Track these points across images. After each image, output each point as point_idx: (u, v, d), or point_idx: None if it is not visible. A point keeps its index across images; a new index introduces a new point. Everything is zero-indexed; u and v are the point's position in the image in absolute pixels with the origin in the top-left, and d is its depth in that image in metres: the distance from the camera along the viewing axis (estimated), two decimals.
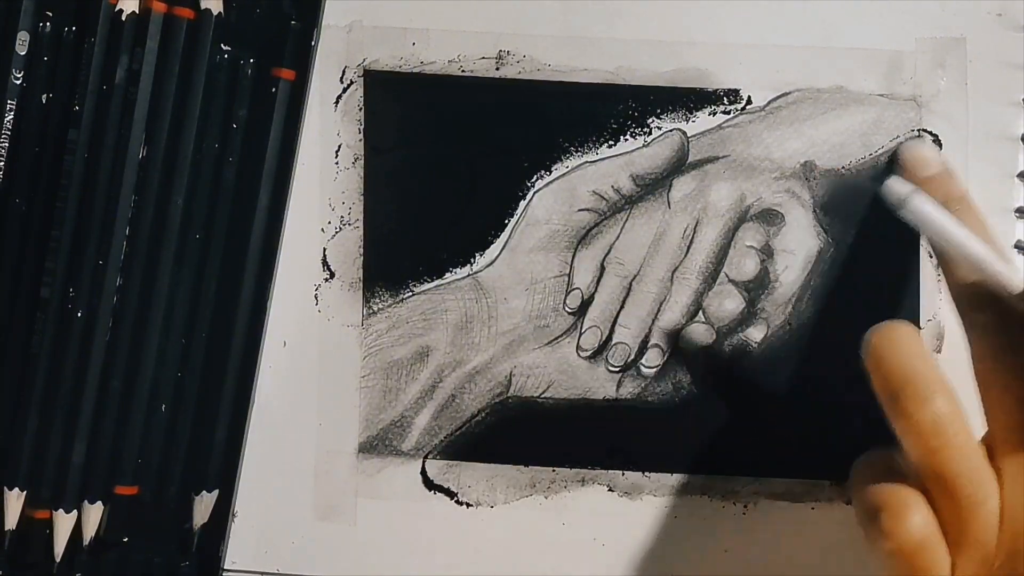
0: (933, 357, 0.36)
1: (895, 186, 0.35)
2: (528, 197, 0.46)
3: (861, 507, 0.37)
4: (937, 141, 0.45)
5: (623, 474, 0.46)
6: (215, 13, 0.45)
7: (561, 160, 0.46)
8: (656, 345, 0.45)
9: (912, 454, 0.35)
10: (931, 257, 0.44)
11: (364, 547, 0.46)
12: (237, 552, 0.46)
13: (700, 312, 0.45)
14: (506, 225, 0.46)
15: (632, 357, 0.46)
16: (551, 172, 0.46)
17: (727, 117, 0.45)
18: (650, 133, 0.45)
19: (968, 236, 0.35)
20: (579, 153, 0.46)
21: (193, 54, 0.45)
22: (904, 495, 0.35)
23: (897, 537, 0.35)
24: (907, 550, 0.35)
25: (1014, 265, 0.35)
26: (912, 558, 0.35)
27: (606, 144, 0.46)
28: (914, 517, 0.35)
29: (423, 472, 0.46)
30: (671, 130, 0.45)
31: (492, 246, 0.46)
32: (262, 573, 0.46)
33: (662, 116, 0.45)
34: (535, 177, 0.46)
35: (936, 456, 0.34)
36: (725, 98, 0.45)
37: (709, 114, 0.45)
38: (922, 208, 0.35)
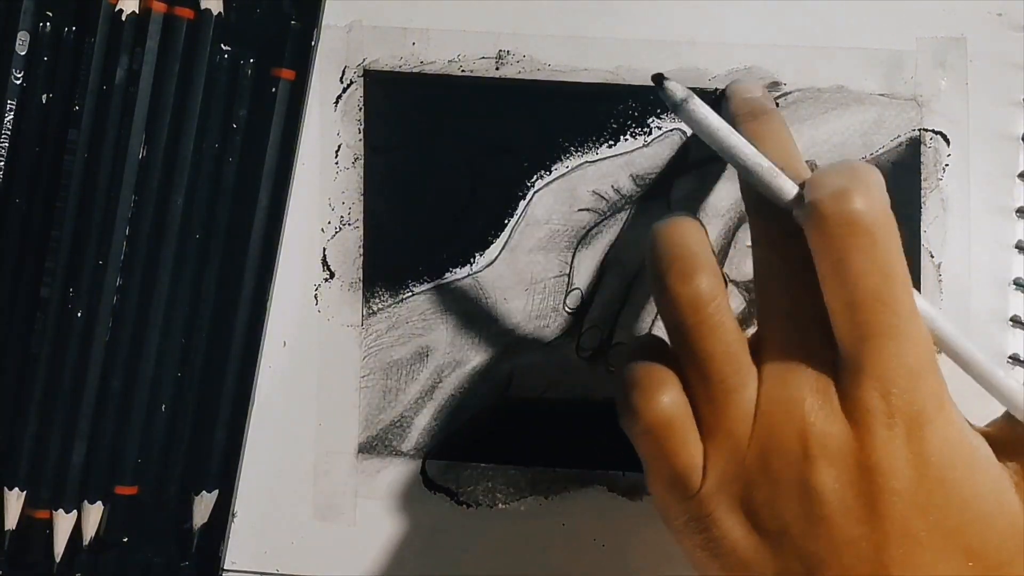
0: (711, 248, 0.35)
1: (672, 89, 0.34)
2: (528, 197, 0.45)
3: (617, 387, 0.36)
4: (944, 139, 0.44)
5: (623, 474, 0.45)
6: (215, 13, 0.45)
7: (561, 160, 0.45)
8: None
9: (670, 333, 0.34)
10: (932, 257, 0.44)
11: (364, 547, 0.46)
12: (237, 552, 0.46)
13: None
14: (506, 225, 0.45)
15: None
16: (551, 172, 0.45)
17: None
18: (650, 133, 0.45)
19: (743, 144, 0.34)
20: (579, 153, 0.45)
21: (193, 54, 0.45)
22: (657, 374, 0.35)
23: (645, 415, 0.34)
24: (655, 430, 0.34)
25: (786, 178, 0.34)
26: (660, 439, 0.34)
27: (606, 144, 0.45)
28: (663, 396, 0.34)
29: (423, 472, 0.46)
30: (671, 130, 0.45)
31: (492, 246, 0.45)
32: (262, 573, 0.46)
33: (662, 116, 0.45)
34: (535, 177, 0.45)
35: (692, 333, 0.33)
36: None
37: None
38: (697, 111, 0.34)
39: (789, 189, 0.34)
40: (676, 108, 0.35)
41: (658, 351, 0.36)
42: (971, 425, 0.35)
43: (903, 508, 0.32)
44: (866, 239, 0.32)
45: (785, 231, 0.34)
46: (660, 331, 0.45)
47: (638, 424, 0.35)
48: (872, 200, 0.32)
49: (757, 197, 0.36)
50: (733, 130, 0.35)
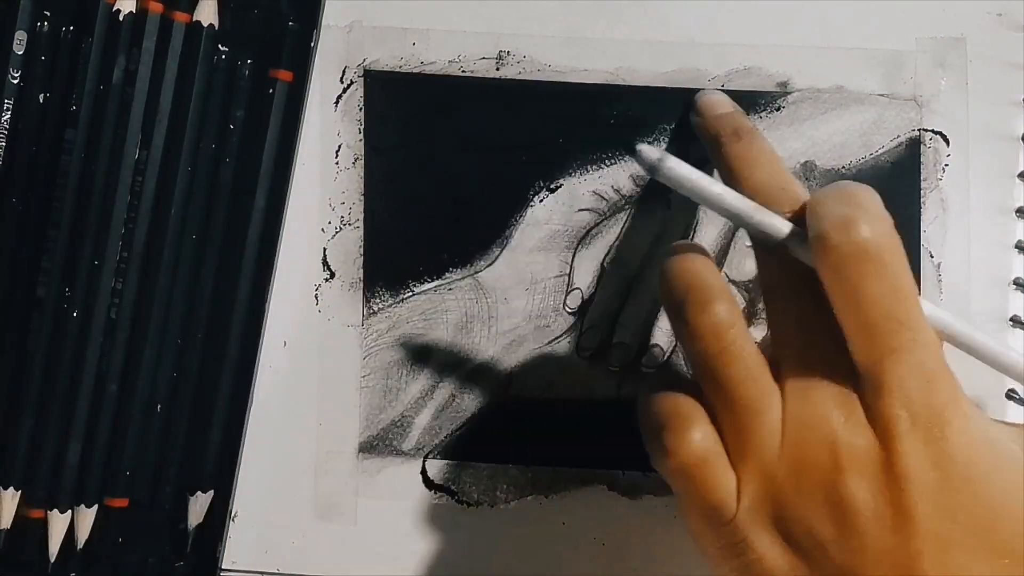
0: (722, 275, 0.35)
1: (646, 152, 0.33)
2: (528, 197, 0.44)
3: (644, 426, 0.35)
4: (944, 139, 0.43)
5: (623, 474, 0.44)
6: (206, 25, 0.43)
7: (561, 161, 0.44)
8: (656, 345, 0.44)
9: (693, 363, 0.34)
10: (932, 257, 0.43)
11: (364, 547, 0.44)
12: (237, 552, 0.44)
13: None
14: (506, 225, 0.44)
15: (632, 357, 0.44)
16: (551, 172, 0.44)
17: None
18: (650, 133, 0.44)
19: (724, 192, 0.34)
20: (579, 153, 0.44)
21: (190, 55, 0.44)
22: (685, 410, 0.34)
23: (678, 455, 0.34)
24: (689, 467, 0.34)
25: (776, 216, 0.34)
26: (694, 475, 0.34)
27: (606, 144, 0.44)
28: (695, 433, 0.33)
29: (423, 472, 0.44)
30: (672, 130, 0.44)
31: (492, 246, 0.44)
32: (262, 573, 0.45)
33: (662, 116, 0.44)
34: (535, 177, 0.44)
35: (715, 361, 0.33)
36: None
37: None
38: (675, 169, 0.33)
39: (781, 226, 0.34)
40: (653, 170, 0.33)
41: (678, 384, 0.35)
42: (999, 421, 0.34)
43: (933, 512, 0.31)
44: (876, 265, 0.31)
45: (787, 258, 0.34)
46: (661, 331, 0.44)
47: (672, 463, 0.34)
48: (876, 224, 0.32)
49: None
50: (713, 180, 0.34)
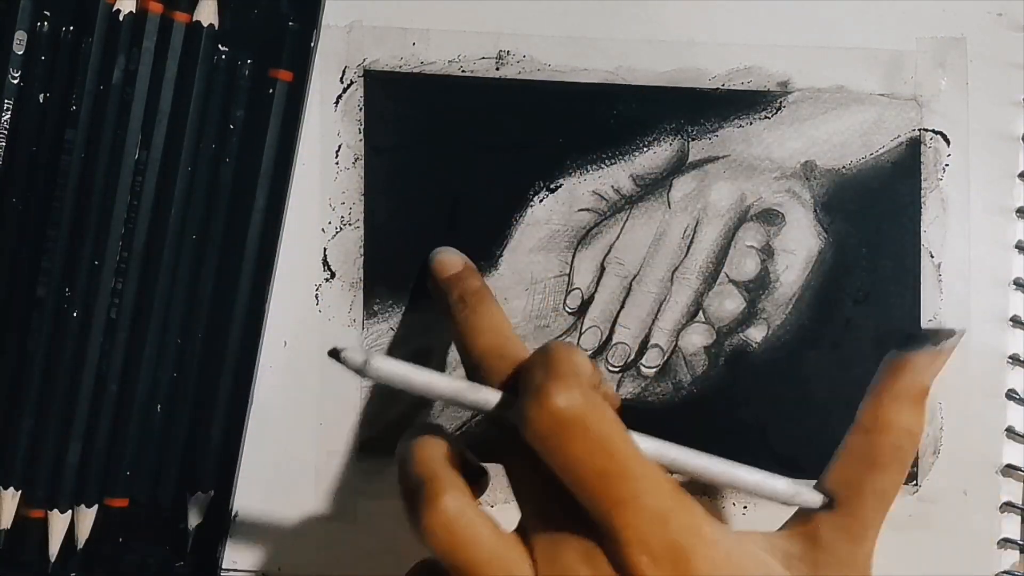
0: (452, 459, 0.34)
1: (350, 356, 0.33)
2: (528, 197, 0.44)
3: None
4: (944, 139, 0.43)
5: None
6: (206, 25, 0.43)
7: (561, 160, 0.44)
8: (656, 345, 0.44)
9: (437, 556, 0.33)
10: (932, 257, 0.43)
11: (364, 547, 0.44)
12: (237, 552, 0.44)
13: (700, 312, 0.44)
14: (506, 225, 0.44)
15: (632, 357, 0.44)
16: (551, 172, 0.44)
17: (727, 117, 0.44)
18: (650, 133, 0.44)
19: (435, 380, 0.34)
20: (579, 153, 0.44)
21: (190, 55, 0.43)
22: None
23: None
24: None
25: (486, 390, 0.34)
26: None
27: (606, 144, 0.44)
28: None
29: None
30: (671, 131, 0.44)
31: (492, 246, 0.44)
32: (262, 573, 0.44)
33: (662, 116, 0.44)
34: (535, 177, 0.44)
35: (454, 554, 0.32)
36: (725, 98, 0.44)
37: (709, 114, 0.44)
38: (383, 368, 0.33)
39: (493, 398, 0.34)
40: (360, 372, 0.33)
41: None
42: (743, 533, 0.35)
43: None
44: (576, 429, 0.31)
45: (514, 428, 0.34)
46: (661, 331, 0.44)
47: None
48: (570, 393, 0.32)
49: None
50: (420, 370, 0.34)
